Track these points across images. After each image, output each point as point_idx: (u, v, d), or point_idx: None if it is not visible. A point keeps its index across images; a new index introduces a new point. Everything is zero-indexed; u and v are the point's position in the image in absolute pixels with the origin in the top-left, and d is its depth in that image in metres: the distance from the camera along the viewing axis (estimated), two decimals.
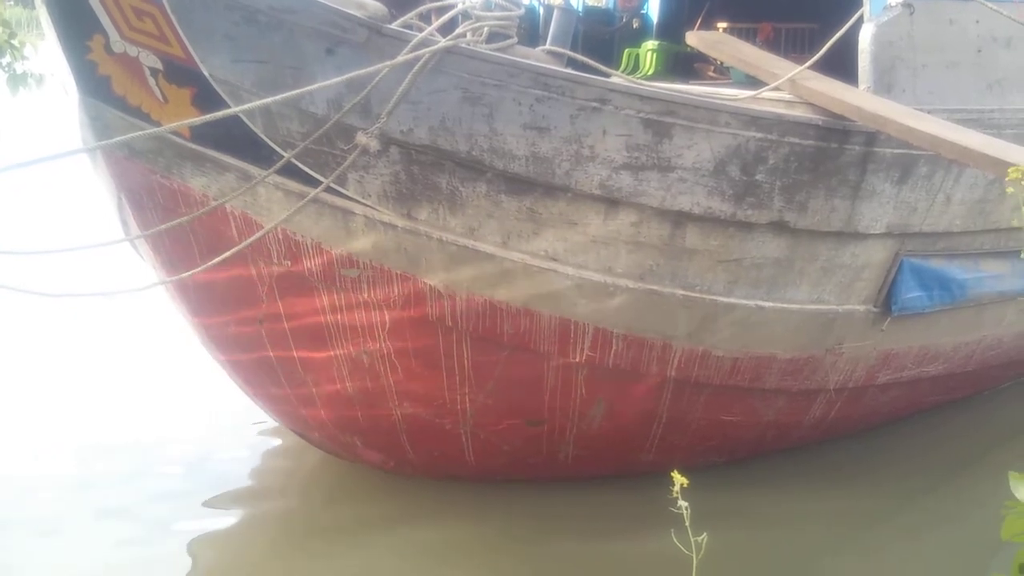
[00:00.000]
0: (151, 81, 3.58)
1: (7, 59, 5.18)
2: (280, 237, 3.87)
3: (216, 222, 3.86)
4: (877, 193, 4.20)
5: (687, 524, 2.67)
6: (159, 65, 3.55)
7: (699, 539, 2.71)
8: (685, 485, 2.65)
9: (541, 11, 5.77)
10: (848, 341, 4.58)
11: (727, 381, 4.43)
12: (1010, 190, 2.68)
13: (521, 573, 4.24)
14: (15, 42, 5.17)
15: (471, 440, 4.42)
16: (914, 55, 4.33)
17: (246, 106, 3.46)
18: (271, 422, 5.13)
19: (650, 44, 6.66)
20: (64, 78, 3.73)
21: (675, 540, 2.83)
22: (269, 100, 3.38)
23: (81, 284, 4.21)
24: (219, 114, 3.36)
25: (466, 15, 3.75)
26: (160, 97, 3.61)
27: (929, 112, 4.11)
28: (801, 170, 3.98)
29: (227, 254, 3.74)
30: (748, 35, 6.30)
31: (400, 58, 3.45)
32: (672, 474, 2.68)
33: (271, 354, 4.27)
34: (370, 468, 4.82)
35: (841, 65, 4.31)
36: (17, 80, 5.23)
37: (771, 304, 4.26)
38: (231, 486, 4.88)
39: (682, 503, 2.63)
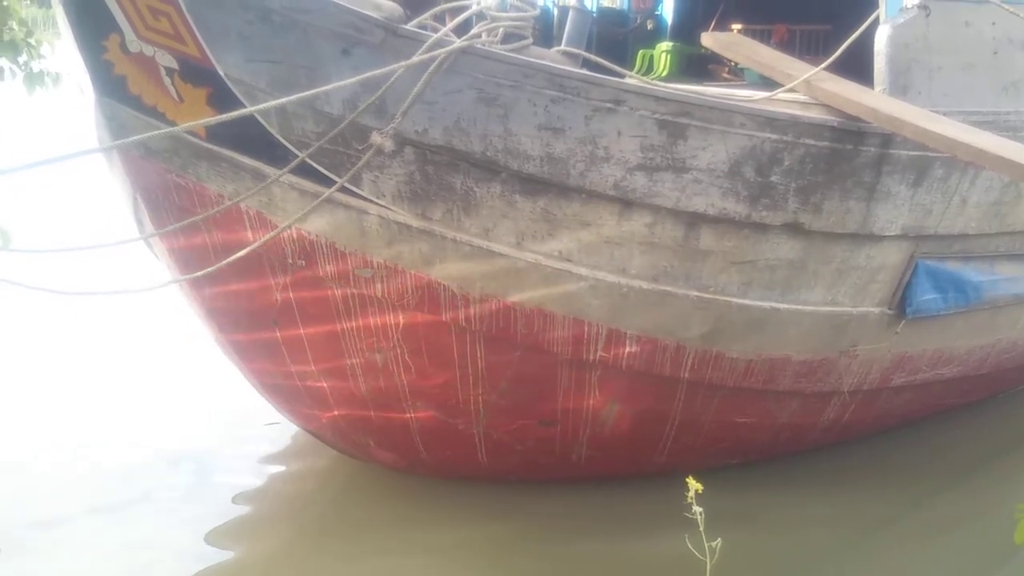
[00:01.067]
0: (167, 81, 3.59)
1: (24, 58, 5.20)
2: (294, 237, 3.87)
3: (231, 221, 3.87)
4: (892, 195, 4.18)
5: (701, 529, 2.67)
6: (175, 65, 3.56)
7: (713, 544, 2.71)
8: (700, 491, 2.65)
9: (556, 12, 5.76)
10: (862, 343, 4.56)
11: (741, 383, 4.41)
12: None
13: (534, 574, 4.24)
14: (32, 41, 5.18)
15: (484, 440, 4.42)
16: (930, 57, 4.31)
17: (262, 106, 3.47)
18: (284, 422, 5.13)
19: (664, 45, 6.66)
20: (80, 77, 3.74)
21: (689, 545, 2.82)
22: (285, 100, 3.38)
23: (94, 283, 4.22)
24: (235, 114, 3.36)
25: (481, 16, 3.75)
26: (176, 97, 3.62)
27: (945, 114, 4.08)
28: (816, 172, 3.96)
29: (241, 253, 3.76)
30: (762, 36, 6.28)
31: (415, 58, 3.45)
32: (687, 480, 2.67)
33: (285, 354, 4.28)
34: (383, 468, 4.82)
35: (856, 67, 4.29)
36: (34, 79, 5.25)
37: (785, 306, 4.24)
38: (243, 486, 4.88)
39: (697, 508, 2.62)
